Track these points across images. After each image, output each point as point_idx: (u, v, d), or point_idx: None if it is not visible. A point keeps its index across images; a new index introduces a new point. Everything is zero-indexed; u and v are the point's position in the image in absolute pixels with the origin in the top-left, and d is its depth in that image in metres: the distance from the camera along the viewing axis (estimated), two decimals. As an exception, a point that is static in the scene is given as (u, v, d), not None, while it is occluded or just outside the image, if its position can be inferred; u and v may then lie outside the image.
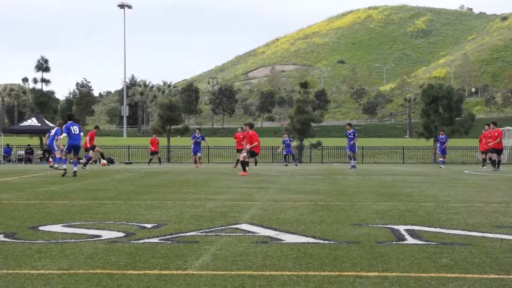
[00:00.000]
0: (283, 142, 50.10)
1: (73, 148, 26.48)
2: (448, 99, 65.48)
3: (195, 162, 41.89)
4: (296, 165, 46.68)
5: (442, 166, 42.82)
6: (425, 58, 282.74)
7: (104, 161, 38.43)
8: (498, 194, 16.74)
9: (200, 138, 41.77)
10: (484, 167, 38.60)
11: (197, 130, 43.44)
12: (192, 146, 42.13)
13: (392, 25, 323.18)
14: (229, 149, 67.13)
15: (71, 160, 28.67)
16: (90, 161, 37.75)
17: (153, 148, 50.11)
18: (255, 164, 37.36)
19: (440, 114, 65.74)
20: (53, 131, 35.02)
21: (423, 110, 67.89)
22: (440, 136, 44.10)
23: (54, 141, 33.77)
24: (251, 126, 33.00)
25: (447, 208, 12.70)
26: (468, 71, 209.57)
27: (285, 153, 49.88)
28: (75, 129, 26.25)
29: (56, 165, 32.64)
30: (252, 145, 29.75)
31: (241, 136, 38.59)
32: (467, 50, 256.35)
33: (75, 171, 25.67)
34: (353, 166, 37.55)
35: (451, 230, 9.32)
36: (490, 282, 5.83)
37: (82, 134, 26.89)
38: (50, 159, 42.93)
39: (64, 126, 27.15)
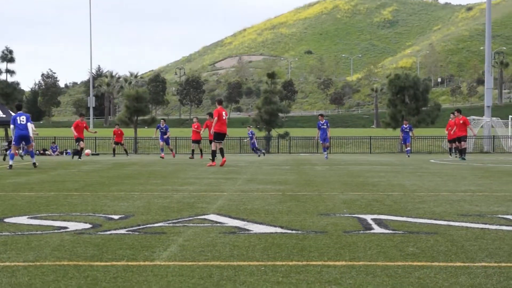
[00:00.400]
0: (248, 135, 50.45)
1: (21, 138, 25.67)
2: (415, 89, 65.99)
3: (162, 150, 42.32)
4: (259, 155, 46.74)
5: (408, 155, 43.05)
6: (392, 48, 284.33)
7: (88, 151, 38.19)
8: (464, 183, 16.90)
9: (165, 128, 42.14)
10: (451, 157, 38.91)
11: (162, 120, 43.90)
12: (159, 136, 42.52)
13: (359, 16, 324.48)
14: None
15: (20, 152, 28.21)
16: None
17: (116, 139, 49.63)
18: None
19: (407, 104, 66.24)
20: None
21: (389, 100, 68.37)
22: (404, 126, 44.25)
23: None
24: (211, 115, 33.08)
25: (413, 197, 12.80)
26: (434, 61, 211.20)
27: (252, 146, 50.11)
28: (21, 119, 25.29)
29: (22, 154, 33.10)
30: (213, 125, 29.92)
31: (195, 126, 39.16)
32: (433, 40, 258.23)
33: (34, 163, 25.32)
34: (326, 157, 37.61)
35: (418, 219, 9.39)
36: (455, 270, 5.88)
37: (32, 124, 25.80)
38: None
39: (11, 117, 26.53)
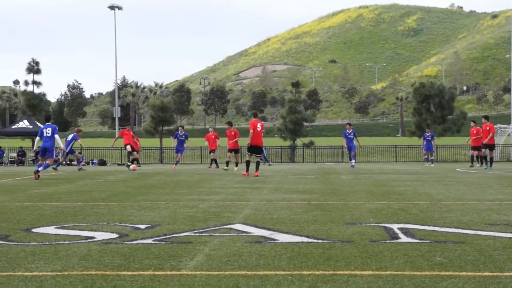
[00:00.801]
0: None
1: (45, 150, 25.65)
2: (440, 97, 65.66)
3: (177, 162, 39.37)
4: (269, 164, 46.34)
5: (431, 164, 42.56)
6: (416, 57, 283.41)
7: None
8: (490, 192, 16.77)
9: (184, 136, 38.48)
10: (478, 165, 37.73)
11: (180, 128, 41.16)
12: (175, 145, 38.83)
13: (383, 24, 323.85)
14: (221, 150, 67.11)
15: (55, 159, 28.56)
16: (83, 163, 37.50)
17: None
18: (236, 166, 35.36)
19: (432, 112, 65.92)
20: (69, 137, 36.70)
21: (415, 109, 68.07)
22: (426, 134, 43.71)
23: (70, 146, 35.90)
24: (230, 124, 34.68)
25: (440, 206, 12.72)
26: (459, 69, 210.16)
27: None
28: (47, 131, 25.37)
29: (81, 166, 35.50)
30: (234, 140, 30.09)
31: (213, 137, 38.50)
32: (458, 48, 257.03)
33: (37, 171, 24.69)
34: (352, 166, 37.23)
35: (445, 228, 9.33)
36: (484, 280, 5.84)
37: (56, 135, 25.74)
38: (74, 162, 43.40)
39: (40, 129, 26.69)
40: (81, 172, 32.84)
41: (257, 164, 26.63)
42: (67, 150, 35.69)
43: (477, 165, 37.08)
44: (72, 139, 36.10)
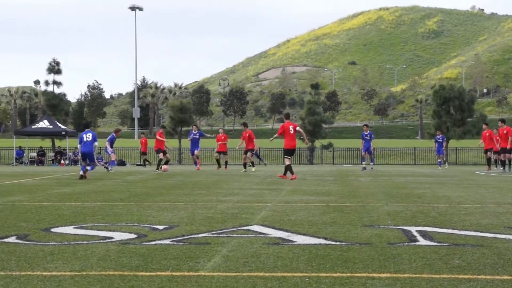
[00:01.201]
0: None
1: (84, 155, 26.39)
2: (460, 100, 65.25)
3: (195, 163, 37.76)
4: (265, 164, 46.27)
5: (440, 167, 42.07)
6: (436, 59, 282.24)
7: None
8: (510, 195, 16.68)
9: (198, 135, 37.04)
10: (496, 168, 37.15)
11: (194, 126, 39.37)
12: (190, 145, 37.53)
13: (403, 26, 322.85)
14: (240, 151, 67.08)
15: (103, 163, 29.22)
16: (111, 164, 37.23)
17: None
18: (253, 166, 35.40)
19: (452, 115, 65.54)
20: (108, 138, 37.55)
21: (434, 111, 67.69)
22: (437, 136, 42.99)
23: (108, 146, 36.57)
24: (245, 125, 35.39)
25: (459, 209, 12.67)
26: (479, 72, 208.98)
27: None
28: (87, 136, 26.22)
29: (110, 168, 35.33)
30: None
31: (223, 138, 37.50)
32: (478, 50, 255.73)
33: (83, 172, 25.41)
34: (365, 168, 37.05)
35: (463, 231, 9.29)
36: (502, 283, 5.81)
37: (96, 142, 26.46)
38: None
39: (80, 135, 27.34)
40: (102, 172, 32.96)
41: (288, 167, 25.31)
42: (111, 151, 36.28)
43: (500, 168, 35.77)
44: (110, 139, 37.01)
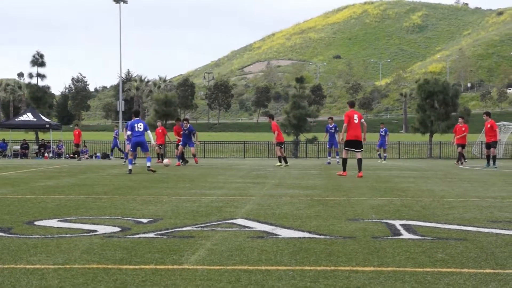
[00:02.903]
0: None
1: (138, 145, 25.49)
2: (444, 94, 65.47)
3: (179, 158, 33.26)
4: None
5: (384, 161, 41.66)
6: (421, 53, 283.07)
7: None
8: (493, 189, 16.77)
9: (188, 131, 32.79)
10: (460, 163, 36.70)
11: (184, 121, 33.55)
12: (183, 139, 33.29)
13: (388, 20, 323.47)
14: (225, 144, 67.14)
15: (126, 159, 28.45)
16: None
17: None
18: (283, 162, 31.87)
19: (436, 109, 65.76)
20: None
21: (419, 105, 67.90)
22: (381, 129, 41.91)
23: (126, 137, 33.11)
24: (271, 116, 33.28)
25: (442, 203, 12.72)
26: (463, 66, 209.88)
27: None
28: (139, 126, 25.23)
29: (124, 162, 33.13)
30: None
31: (160, 131, 36.51)
32: (462, 45, 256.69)
33: (148, 166, 24.77)
34: (328, 163, 36.70)
35: (447, 225, 9.34)
36: (485, 277, 5.84)
37: (148, 130, 25.70)
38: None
39: (128, 124, 26.42)
40: (84, 165, 32.81)
41: (359, 162, 22.58)
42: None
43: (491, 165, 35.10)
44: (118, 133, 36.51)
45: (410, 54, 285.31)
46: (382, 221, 9.73)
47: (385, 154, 41.75)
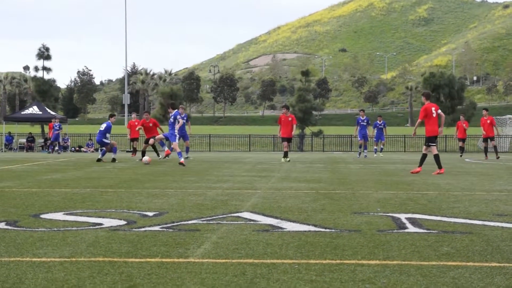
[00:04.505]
0: None
1: (181, 136, 25.27)
2: (450, 87, 65.44)
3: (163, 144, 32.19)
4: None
5: (381, 154, 40.61)
6: (427, 47, 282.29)
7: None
8: (499, 182, 16.74)
9: (185, 118, 29.73)
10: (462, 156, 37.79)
11: (180, 107, 30.65)
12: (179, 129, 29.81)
13: (394, 13, 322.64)
14: (230, 137, 67.16)
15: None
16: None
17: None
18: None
19: (442, 102, 65.69)
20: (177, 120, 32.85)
21: (424, 99, 67.80)
22: (378, 122, 40.94)
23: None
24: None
25: (448, 196, 12.71)
26: (469, 60, 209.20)
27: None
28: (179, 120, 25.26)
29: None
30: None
31: (136, 123, 34.61)
32: (468, 38, 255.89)
33: (180, 162, 24.15)
34: (365, 155, 36.60)
35: (452, 218, 9.33)
36: (491, 270, 5.84)
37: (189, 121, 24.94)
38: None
39: (176, 115, 25.49)
40: (90, 158, 32.85)
41: (436, 157, 20.73)
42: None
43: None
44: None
45: (416, 47, 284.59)
46: (388, 214, 9.73)
47: (382, 147, 41.01)
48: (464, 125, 39.29)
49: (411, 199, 12.10)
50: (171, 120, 25.30)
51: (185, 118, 29.84)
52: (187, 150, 32.41)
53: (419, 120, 21.92)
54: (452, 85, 65.88)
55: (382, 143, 40.64)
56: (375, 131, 40.14)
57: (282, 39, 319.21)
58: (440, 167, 20.43)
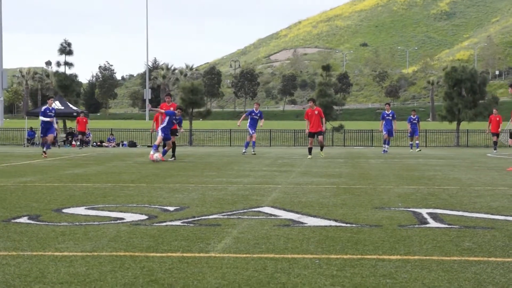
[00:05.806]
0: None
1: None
2: (472, 81, 64.94)
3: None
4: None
5: (418, 149, 39.99)
6: (449, 41, 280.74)
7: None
8: (521, 177, 16.63)
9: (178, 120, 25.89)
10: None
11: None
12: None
13: (415, 7, 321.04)
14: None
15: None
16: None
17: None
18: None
19: (464, 97, 65.27)
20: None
21: (446, 93, 67.44)
22: (412, 117, 40.39)
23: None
24: (314, 101, 29.61)
25: (470, 191, 12.64)
26: (492, 54, 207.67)
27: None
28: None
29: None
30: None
31: (84, 120, 32.31)
32: (491, 32, 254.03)
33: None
34: (385, 151, 35.56)
35: (474, 213, 9.28)
36: (513, 266, 5.80)
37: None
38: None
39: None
40: (111, 153, 32.96)
41: None
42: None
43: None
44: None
45: (438, 41, 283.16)
46: (409, 209, 9.70)
47: (417, 142, 39.17)
48: (498, 118, 39.28)
49: (432, 194, 12.05)
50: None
51: (258, 114, 31.53)
52: (254, 145, 31.98)
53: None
54: (474, 79, 65.38)
55: (416, 138, 39.17)
56: (410, 125, 39.50)
57: (303, 34, 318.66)
58: None
